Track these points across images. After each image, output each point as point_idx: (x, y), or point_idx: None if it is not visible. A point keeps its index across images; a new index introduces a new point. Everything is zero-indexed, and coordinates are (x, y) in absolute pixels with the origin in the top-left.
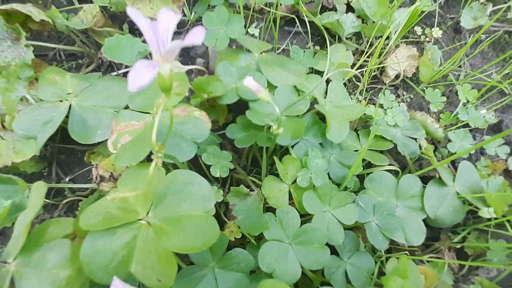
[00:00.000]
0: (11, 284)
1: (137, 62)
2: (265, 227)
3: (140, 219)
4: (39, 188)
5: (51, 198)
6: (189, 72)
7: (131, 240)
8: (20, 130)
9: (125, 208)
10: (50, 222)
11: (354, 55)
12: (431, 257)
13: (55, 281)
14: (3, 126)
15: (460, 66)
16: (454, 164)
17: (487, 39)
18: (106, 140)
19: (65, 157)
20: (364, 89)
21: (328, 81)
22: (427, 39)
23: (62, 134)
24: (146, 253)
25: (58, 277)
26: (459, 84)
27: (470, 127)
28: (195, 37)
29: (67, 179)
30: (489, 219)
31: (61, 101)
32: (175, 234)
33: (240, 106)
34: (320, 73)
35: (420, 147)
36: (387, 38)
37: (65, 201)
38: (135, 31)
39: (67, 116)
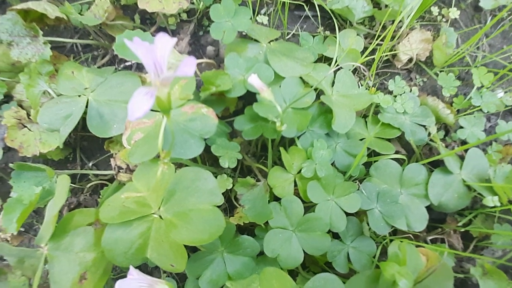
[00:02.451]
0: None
1: (136, 91)
2: (269, 217)
3: (153, 213)
4: (64, 181)
5: (77, 182)
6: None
7: (145, 231)
8: (44, 123)
9: (139, 203)
10: (75, 212)
11: (365, 38)
12: (435, 239)
13: (82, 262)
14: (29, 119)
15: (478, 48)
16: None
17: (510, 17)
18: (121, 133)
19: (87, 144)
20: (373, 75)
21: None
22: (443, 19)
23: (83, 123)
24: (160, 242)
25: (85, 259)
26: (475, 67)
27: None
28: (187, 68)
29: (90, 164)
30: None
31: (79, 96)
32: (183, 227)
33: (250, 94)
34: (330, 59)
35: (429, 134)
36: (400, 21)
37: (89, 185)
38: (146, 21)
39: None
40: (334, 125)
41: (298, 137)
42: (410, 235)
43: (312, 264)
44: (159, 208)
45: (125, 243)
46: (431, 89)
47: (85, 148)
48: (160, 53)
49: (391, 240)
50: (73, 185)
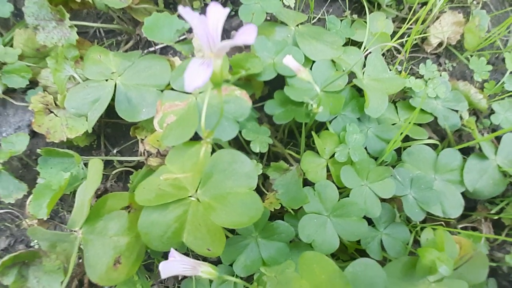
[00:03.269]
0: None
1: (191, 61)
2: (304, 202)
3: (190, 196)
4: (96, 165)
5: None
6: None
7: (182, 214)
8: (72, 108)
9: (175, 186)
10: (109, 196)
11: (393, 22)
12: (466, 227)
13: (116, 246)
14: (56, 104)
15: (510, 32)
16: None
17: None
18: (150, 116)
19: (111, 131)
20: (406, 59)
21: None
22: (474, 2)
23: (107, 109)
24: (196, 226)
25: (119, 243)
26: (507, 51)
27: None
28: (247, 36)
29: (114, 151)
30: None
31: (106, 80)
32: (222, 210)
33: (276, 79)
34: (358, 43)
35: (461, 119)
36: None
37: (114, 171)
38: (169, 5)
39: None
40: (367, 109)
41: (330, 122)
42: (442, 222)
43: (341, 252)
44: (196, 191)
45: (161, 227)
46: (460, 75)
47: (109, 135)
48: (212, 23)
49: (422, 228)
50: None
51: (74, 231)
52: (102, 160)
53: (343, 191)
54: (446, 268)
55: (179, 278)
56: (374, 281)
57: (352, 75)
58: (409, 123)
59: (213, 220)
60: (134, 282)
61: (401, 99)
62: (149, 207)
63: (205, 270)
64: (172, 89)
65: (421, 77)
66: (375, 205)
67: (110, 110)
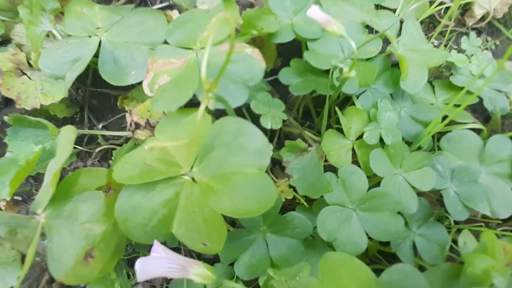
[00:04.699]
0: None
1: None
2: (327, 190)
3: (183, 175)
4: (69, 133)
5: (84, 145)
6: None
7: (172, 198)
8: (47, 68)
9: (165, 161)
10: (82, 172)
11: None
12: (505, 230)
13: (89, 236)
14: (30, 65)
15: None
16: None
17: None
18: (141, 82)
19: (97, 102)
20: (448, 29)
21: (400, 21)
22: None
23: (93, 77)
24: (190, 213)
25: (92, 232)
26: None
27: None
28: None
29: (100, 126)
30: None
31: (90, 36)
32: (225, 194)
33: (291, 51)
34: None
35: (510, 103)
36: None
37: (98, 149)
38: None
39: (96, 56)
40: (403, 82)
41: (357, 96)
42: (482, 224)
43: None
44: (191, 168)
45: (145, 212)
46: (503, 54)
47: (94, 108)
48: None
49: (458, 230)
50: (79, 147)
51: (36, 214)
52: (85, 134)
53: (370, 181)
54: (501, 280)
55: (168, 277)
56: None
57: (384, 45)
58: (454, 105)
59: (212, 205)
60: (112, 281)
61: (435, 78)
62: (130, 186)
63: (198, 273)
64: (167, 44)
65: (462, 52)
66: (411, 198)
67: (97, 78)
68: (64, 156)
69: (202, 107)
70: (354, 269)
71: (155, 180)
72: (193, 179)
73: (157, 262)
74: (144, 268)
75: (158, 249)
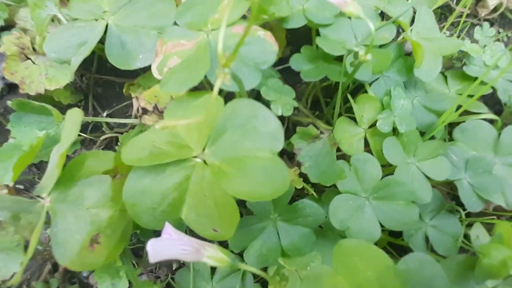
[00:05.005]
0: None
1: None
2: (340, 177)
3: (194, 157)
4: (75, 115)
5: (88, 133)
6: None
7: (183, 181)
8: (52, 52)
9: (175, 143)
10: (88, 155)
11: None
12: None
13: (95, 221)
14: (34, 50)
15: None
16: None
17: None
18: (148, 69)
19: (102, 90)
20: (462, 20)
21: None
22: None
23: (98, 64)
24: (201, 197)
25: (98, 217)
26: None
27: None
28: None
29: (104, 114)
30: None
31: (96, 20)
32: (238, 177)
33: (300, 39)
34: None
35: None
36: None
37: (103, 137)
38: None
39: (102, 43)
40: (417, 70)
41: (370, 84)
42: (494, 216)
43: None
44: (203, 151)
45: (155, 196)
46: None
47: (99, 96)
48: None
49: (468, 225)
50: (84, 135)
51: (41, 198)
52: (90, 122)
53: (383, 171)
54: None
55: (173, 268)
56: (433, 283)
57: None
58: (461, 91)
59: (224, 187)
60: (117, 269)
61: (446, 69)
62: (139, 169)
63: (212, 255)
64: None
65: (476, 43)
66: (425, 188)
67: (102, 65)
68: (70, 138)
69: (218, 82)
70: (371, 255)
71: (165, 162)
72: (204, 161)
73: (170, 243)
74: (156, 249)
75: (170, 230)
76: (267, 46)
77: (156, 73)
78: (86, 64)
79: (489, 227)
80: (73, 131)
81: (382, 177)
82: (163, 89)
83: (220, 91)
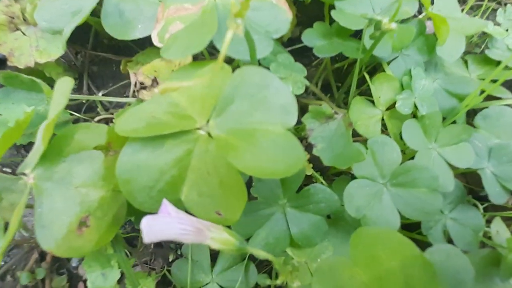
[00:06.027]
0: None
1: None
2: (358, 159)
3: (198, 129)
4: (64, 84)
5: (82, 113)
6: None
7: (184, 156)
8: (43, 21)
9: (176, 114)
10: (78, 127)
11: None
12: None
13: (84, 202)
14: (24, 19)
15: None
16: None
17: None
18: (147, 45)
19: (98, 69)
20: (485, 3)
21: None
22: None
23: (95, 40)
24: (204, 175)
25: (88, 197)
26: None
27: None
28: None
29: (100, 94)
30: None
31: None
32: (247, 151)
33: (312, 18)
34: None
35: None
36: None
37: (97, 118)
38: None
39: (98, 16)
40: (440, 48)
41: (388, 63)
42: None
43: None
44: (207, 122)
45: (152, 173)
46: None
47: (94, 75)
48: None
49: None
50: (77, 114)
51: (24, 175)
52: (84, 102)
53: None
54: None
55: (170, 260)
56: (460, 276)
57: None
58: (484, 76)
59: (232, 161)
60: (108, 257)
61: (466, 54)
62: (135, 142)
63: (217, 237)
64: None
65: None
66: (447, 176)
67: (99, 42)
68: (57, 108)
69: (229, 34)
70: (395, 244)
71: (164, 134)
72: (208, 134)
73: (168, 221)
74: (152, 227)
75: (168, 209)
76: (280, 13)
77: (156, 41)
78: (82, 40)
79: (508, 223)
80: (61, 100)
81: (406, 161)
82: (165, 55)
83: (227, 62)
